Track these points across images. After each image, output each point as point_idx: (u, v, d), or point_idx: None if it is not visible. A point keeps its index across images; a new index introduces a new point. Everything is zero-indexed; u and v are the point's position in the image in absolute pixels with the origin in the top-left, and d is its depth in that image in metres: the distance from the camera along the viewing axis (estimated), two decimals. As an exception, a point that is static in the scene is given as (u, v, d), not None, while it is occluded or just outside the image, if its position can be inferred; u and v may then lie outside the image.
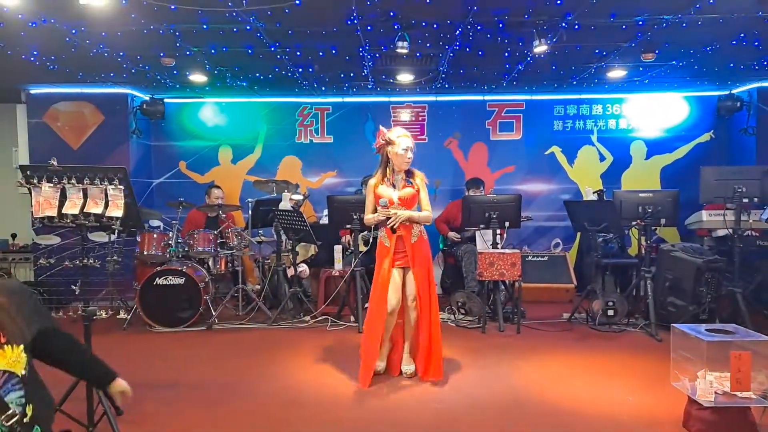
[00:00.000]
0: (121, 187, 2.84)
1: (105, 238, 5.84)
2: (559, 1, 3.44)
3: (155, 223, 6.06)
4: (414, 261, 3.65)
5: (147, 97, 6.78)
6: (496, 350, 4.42)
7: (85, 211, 2.82)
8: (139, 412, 3.21)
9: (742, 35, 4.27)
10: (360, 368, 3.68)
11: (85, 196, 2.83)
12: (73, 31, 3.97)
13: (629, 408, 3.23)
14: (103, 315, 5.76)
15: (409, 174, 3.71)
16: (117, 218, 2.84)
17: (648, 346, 4.50)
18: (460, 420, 3.09)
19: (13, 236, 7.02)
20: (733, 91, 6.71)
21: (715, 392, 2.80)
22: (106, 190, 2.83)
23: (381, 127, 3.66)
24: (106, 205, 2.84)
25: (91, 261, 3.00)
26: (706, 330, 2.92)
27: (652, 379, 3.61)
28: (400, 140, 3.60)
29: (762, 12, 3.69)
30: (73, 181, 2.82)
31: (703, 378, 2.85)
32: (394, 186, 3.69)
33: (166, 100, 6.86)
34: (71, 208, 2.81)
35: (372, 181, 3.75)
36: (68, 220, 2.83)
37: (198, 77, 5.75)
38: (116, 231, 5.57)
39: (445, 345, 4.58)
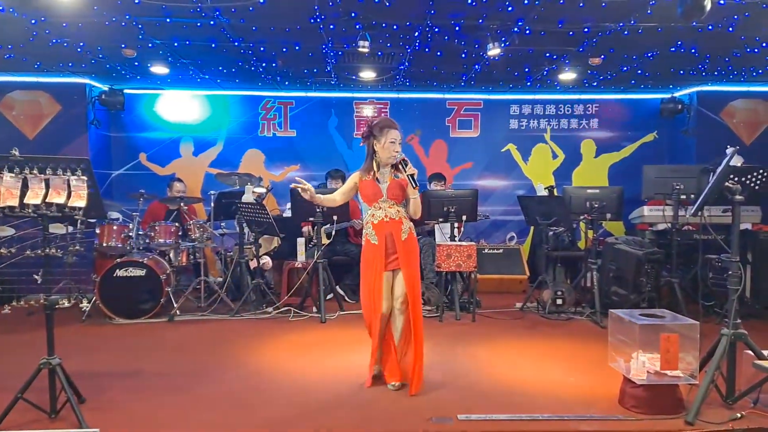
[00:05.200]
0: (84, 177, 2.89)
1: (63, 229, 5.76)
2: (510, 8, 3.64)
3: (114, 215, 6.03)
4: (405, 261, 3.35)
5: (106, 88, 6.69)
6: (451, 338, 4.62)
7: (47, 200, 2.86)
8: (104, 400, 3.26)
9: (679, 43, 4.60)
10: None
11: (47, 187, 2.87)
12: (33, 21, 3.93)
13: (570, 388, 3.48)
14: (66, 304, 5.66)
15: (396, 168, 3.37)
16: (79, 208, 2.89)
17: (592, 332, 4.79)
18: (415, 399, 3.27)
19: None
20: (674, 95, 7.14)
21: (647, 372, 3.06)
22: (68, 180, 2.87)
23: (369, 115, 3.38)
24: (69, 195, 2.88)
25: (52, 251, 3.03)
26: (640, 315, 3.19)
27: (593, 362, 3.87)
28: (386, 132, 3.33)
29: (695, 23, 4.00)
30: (35, 171, 2.85)
31: (637, 359, 3.13)
32: (378, 181, 3.38)
33: (126, 91, 6.79)
34: (33, 198, 2.84)
35: (356, 174, 3.46)
36: (29, 210, 2.86)
37: (159, 69, 5.73)
38: (77, 222, 5.51)
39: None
